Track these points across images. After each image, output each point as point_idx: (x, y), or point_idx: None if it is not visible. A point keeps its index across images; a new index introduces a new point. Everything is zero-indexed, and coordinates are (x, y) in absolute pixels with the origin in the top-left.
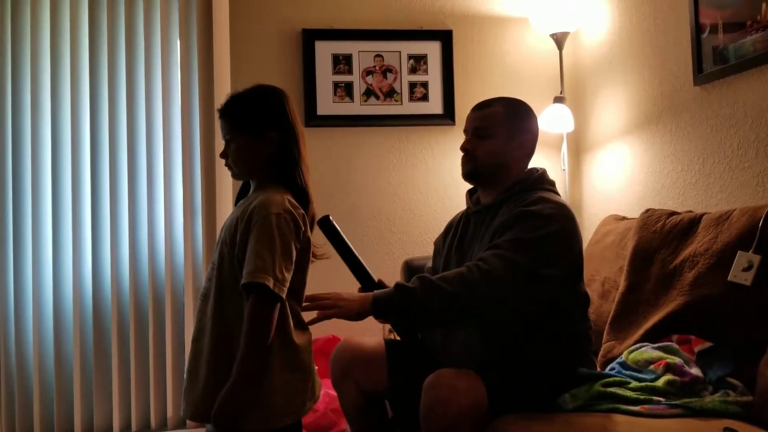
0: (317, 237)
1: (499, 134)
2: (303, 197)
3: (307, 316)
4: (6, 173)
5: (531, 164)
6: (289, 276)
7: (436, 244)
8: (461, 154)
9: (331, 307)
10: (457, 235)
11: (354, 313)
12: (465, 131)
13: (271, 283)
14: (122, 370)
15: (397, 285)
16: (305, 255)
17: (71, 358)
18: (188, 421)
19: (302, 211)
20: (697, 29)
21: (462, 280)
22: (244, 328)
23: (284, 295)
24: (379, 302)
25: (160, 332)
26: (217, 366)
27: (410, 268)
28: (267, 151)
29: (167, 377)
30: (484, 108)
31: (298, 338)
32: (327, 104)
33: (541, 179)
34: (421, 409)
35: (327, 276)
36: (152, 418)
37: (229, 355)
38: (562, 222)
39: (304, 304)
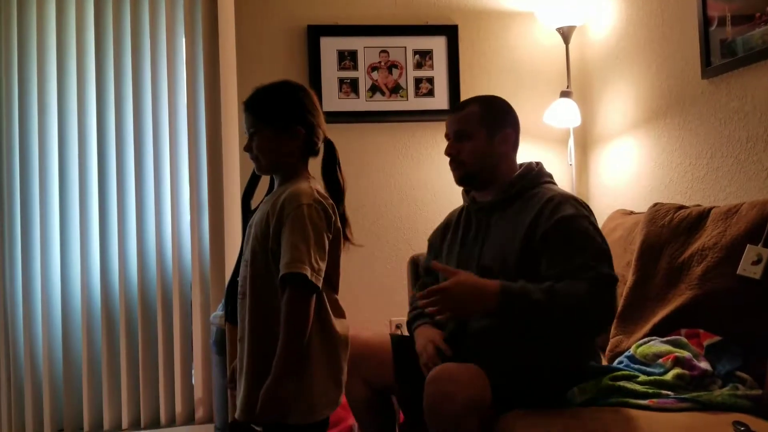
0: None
1: (479, 133)
2: (338, 192)
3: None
4: (14, 171)
5: (531, 158)
6: (323, 265)
7: (432, 241)
8: None
9: (452, 309)
10: (459, 233)
11: (476, 312)
12: (446, 136)
13: (308, 273)
14: (131, 367)
15: (525, 291)
16: (337, 245)
17: (80, 356)
18: (196, 416)
19: (331, 201)
20: (705, 22)
21: (583, 296)
22: (283, 320)
23: (320, 285)
24: (508, 305)
25: (168, 328)
26: (256, 362)
27: (417, 265)
28: (293, 145)
29: (175, 373)
30: (460, 110)
31: (337, 326)
32: (332, 100)
33: (540, 174)
34: (424, 403)
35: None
36: (162, 414)
37: (269, 350)
38: (590, 214)
39: (423, 301)
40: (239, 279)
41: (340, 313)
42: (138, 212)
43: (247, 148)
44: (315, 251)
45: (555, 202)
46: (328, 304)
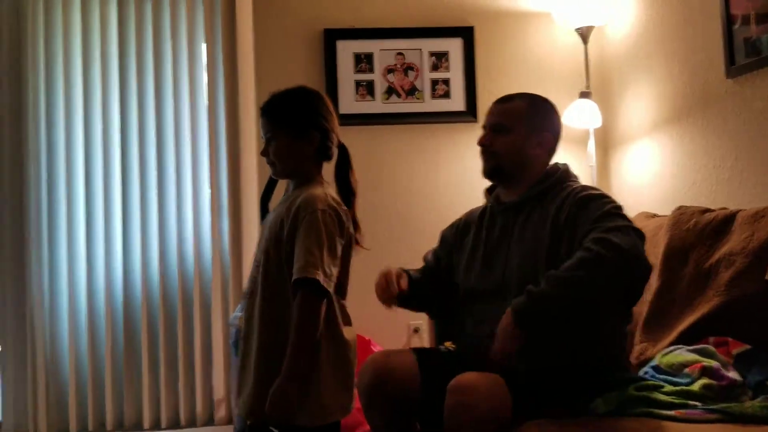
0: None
1: (519, 130)
2: (350, 196)
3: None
4: (40, 174)
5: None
6: (336, 271)
7: (446, 234)
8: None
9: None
10: (483, 234)
11: (511, 346)
12: (483, 126)
13: (321, 278)
14: (152, 368)
15: (529, 292)
16: (348, 251)
17: (103, 356)
18: (216, 418)
19: (345, 207)
20: (728, 20)
21: (583, 262)
22: (294, 323)
23: (332, 290)
24: (520, 314)
25: (189, 329)
26: (266, 363)
27: None
28: (309, 150)
29: (196, 374)
30: (505, 102)
31: (346, 333)
32: (349, 103)
33: (566, 174)
34: (444, 414)
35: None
36: (181, 414)
37: (278, 351)
38: (613, 199)
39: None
40: (249, 279)
41: (348, 320)
42: (160, 215)
43: (264, 153)
44: (328, 257)
45: (578, 189)
46: (336, 305)
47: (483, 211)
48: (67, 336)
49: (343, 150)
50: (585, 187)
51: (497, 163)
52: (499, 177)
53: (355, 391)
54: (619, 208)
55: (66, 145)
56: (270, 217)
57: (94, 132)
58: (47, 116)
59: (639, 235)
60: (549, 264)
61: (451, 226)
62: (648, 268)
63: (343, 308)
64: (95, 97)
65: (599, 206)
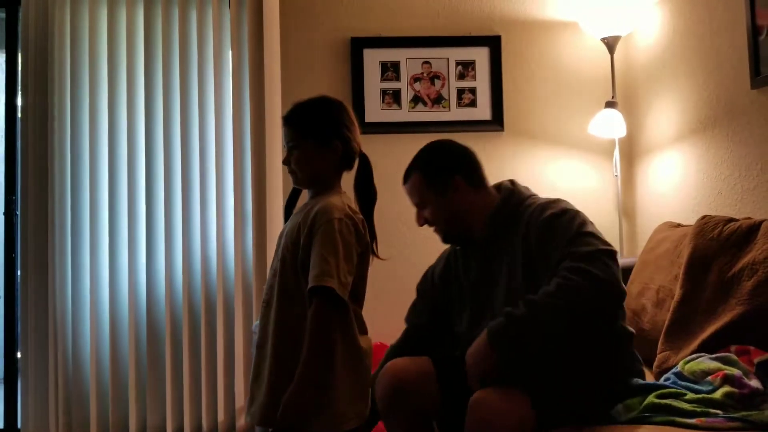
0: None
1: (431, 198)
2: (369, 205)
3: (368, 318)
4: (66, 180)
5: (576, 170)
6: (351, 280)
7: (424, 289)
8: (512, 160)
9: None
10: (461, 280)
11: (482, 368)
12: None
13: (336, 286)
14: (175, 374)
15: (508, 313)
16: (365, 259)
17: (126, 362)
18: (237, 425)
19: (361, 216)
20: (754, 31)
21: (561, 289)
22: (308, 331)
23: (347, 299)
24: (498, 340)
25: (211, 337)
26: (280, 370)
27: None
28: (332, 159)
29: (218, 381)
30: (406, 182)
31: (362, 342)
32: (375, 111)
33: (518, 195)
34: (465, 430)
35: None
36: (204, 421)
37: (292, 359)
38: (573, 208)
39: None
40: (265, 287)
41: (364, 329)
42: (184, 222)
43: (286, 162)
44: (344, 265)
45: (537, 210)
46: (353, 313)
47: (454, 253)
48: (89, 343)
49: (364, 159)
50: (542, 205)
51: (443, 232)
52: (456, 239)
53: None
54: (584, 223)
55: (90, 151)
56: (287, 225)
57: (119, 138)
58: (72, 122)
59: (610, 255)
60: (531, 290)
61: (425, 277)
62: (622, 295)
63: (359, 317)
64: (121, 103)
65: (566, 226)
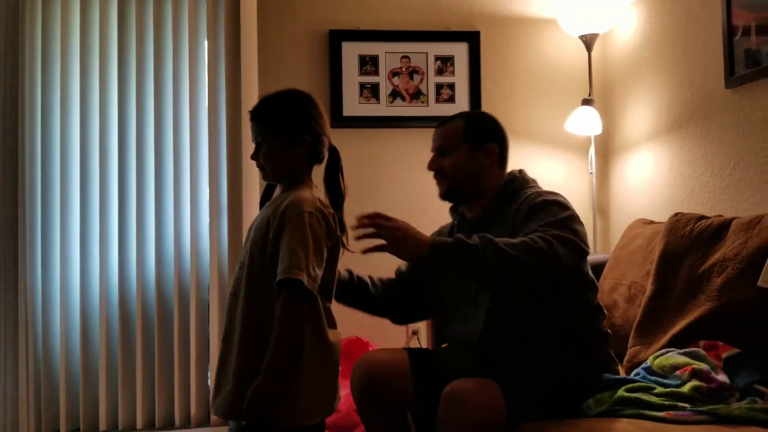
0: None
1: (461, 148)
2: (338, 199)
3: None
4: (35, 172)
5: (552, 166)
6: (320, 273)
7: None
8: None
9: (388, 240)
10: None
11: (408, 253)
12: (431, 151)
13: (305, 280)
14: (147, 368)
15: (459, 238)
16: (335, 253)
17: (97, 356)
18: (212, 419)
19: (332, 210)
20: (730, 31)
21: (526, 247)
22: (276, 324)
23: (316, 292)
24: (438, 249)
25: (184, 330)
26: (247, 364)
27: None
28: (300, 154)
29: (191, 375)
30: (443, 125)
31: (331, 336)
32: (353, 105)
33: (524, 182)
34: (437, 422)
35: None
36: (176, 415)
37: (259, 352)
38: (569, 206)
39: (360, 221)
40: (233, 279)
41: (333, 323)
42: (157, 215)
43: (254, 157)
44: (313, 259)
45: (534, 195)
46: (321, 307)
47: (450, 229)
48: (59, 337)
49: (334, 153)
50: (541, 193)
51: (450, 183)
52: (456, 197)
53: (346, 392)
54: (572, 218)
55: (62, 143)
56: (257, 218)
57: (91, 129)
58: (43, 113)
59: (581, 252)
60: None
61: None
62: (564, 286)
63: (328, 311)
64: (93, 93)
65: (553, 212)
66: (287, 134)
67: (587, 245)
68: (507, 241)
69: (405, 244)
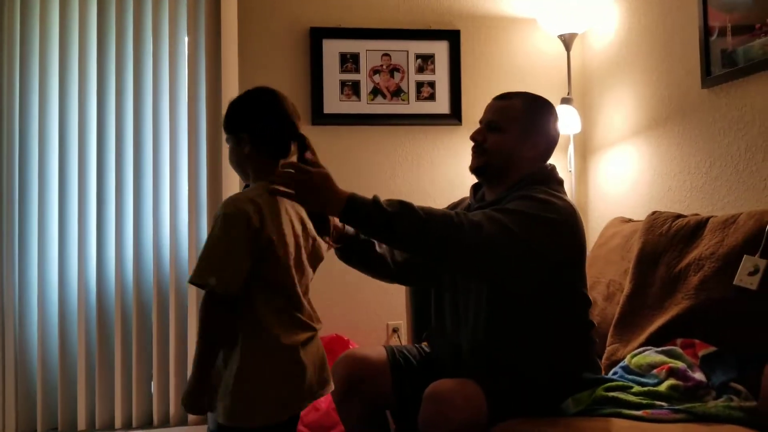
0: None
1: (513, 130)
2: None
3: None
4: (13, 168)
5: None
6: (239, 274)
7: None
8: (468, 154)
9: (296, 189)
10: None
11: (319, 206)
12: (480, 121)
13: (213, 283)
14: (125, 367)
15: (376, 199)
16: (271, 253)
17: (75, 355)
18: (189, 417)
19: (264, 210)
20: (706, 32)
21: (446, 220)
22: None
23: (233, 293)
24: (354, 206)
25: (163, 329)
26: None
27: None
28: (243, 152)
29: (170, 374)
30: (503, 99)
31: (286, 338)
32: (334, 103)
33: (549, 177)
34: (419, 424)
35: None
36: (155, 414)
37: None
38: (565, 216)
39: (281, 171)
40: None
41: (295, 323)
42: (136, 212)
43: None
44: (228, 261)
45: (541, 189)
46: (265, 308)
47: (467, 208)
48: (36, 336)
49: (302, 143)
50: (548, 191)
51: (486, 160)
52: (485, 175)
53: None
54: (534, 217)
55: (40, 138)
56: None
57: (69, 124)
58: (21, 109)
59: (510, 245)
60: None
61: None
62: (484, 271)
63: (283, 310)
64: (72, 88)
65: (525, 204)
66: (231, 136)
67: (536, 245)
68: (432, 211)
69: (312, 197)
